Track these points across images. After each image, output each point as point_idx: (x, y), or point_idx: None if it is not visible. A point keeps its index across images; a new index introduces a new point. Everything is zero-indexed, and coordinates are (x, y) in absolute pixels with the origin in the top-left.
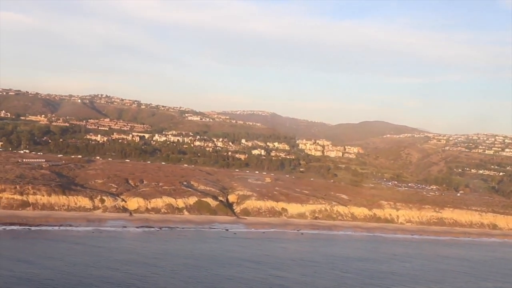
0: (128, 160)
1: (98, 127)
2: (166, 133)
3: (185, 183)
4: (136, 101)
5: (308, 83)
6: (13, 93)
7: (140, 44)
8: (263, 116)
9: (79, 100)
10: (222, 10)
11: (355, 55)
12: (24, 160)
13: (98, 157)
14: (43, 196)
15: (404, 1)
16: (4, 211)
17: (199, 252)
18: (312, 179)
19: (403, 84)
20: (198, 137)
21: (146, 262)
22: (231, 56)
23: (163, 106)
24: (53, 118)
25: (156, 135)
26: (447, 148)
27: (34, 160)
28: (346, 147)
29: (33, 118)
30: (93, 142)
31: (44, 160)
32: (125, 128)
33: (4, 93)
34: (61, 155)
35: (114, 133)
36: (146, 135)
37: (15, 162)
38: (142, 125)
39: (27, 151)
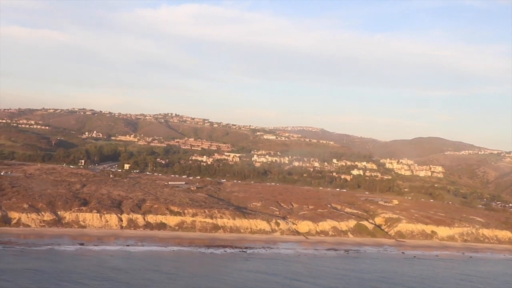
0: (252, 182)
1: (191, 147)
2: (256, 152)
3: (329, 205)
4: (205, 119)
5: (341, 97)
6: (89, 113)
7: (172, 59)
8: (313, 132)
9: (154, 119)
10: (254, 25)
11: (387, 69)
12: (169, 183)
13: (223, 180)
14: (229, 219)
15: (437, 13)
16: (201, 233)
17: (423, 274)
18: (422, 199)
19: (437, 97)
20: (294, 157)
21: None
22: (264, 71)
23: (233, 125)
24: (148, 139)
25: (255, 155)
26: None
27: (175, 182)
28: (431, 166)
29: (122, 138)
30: (203, 164)
31: (184, 183)
32: (212, 148)
33: (82, 113)
34: (185, 176)
35: (215, 154)
36: (238, 155)
37: (163, 185)
38: (225, 144)
39: (157, 173)
